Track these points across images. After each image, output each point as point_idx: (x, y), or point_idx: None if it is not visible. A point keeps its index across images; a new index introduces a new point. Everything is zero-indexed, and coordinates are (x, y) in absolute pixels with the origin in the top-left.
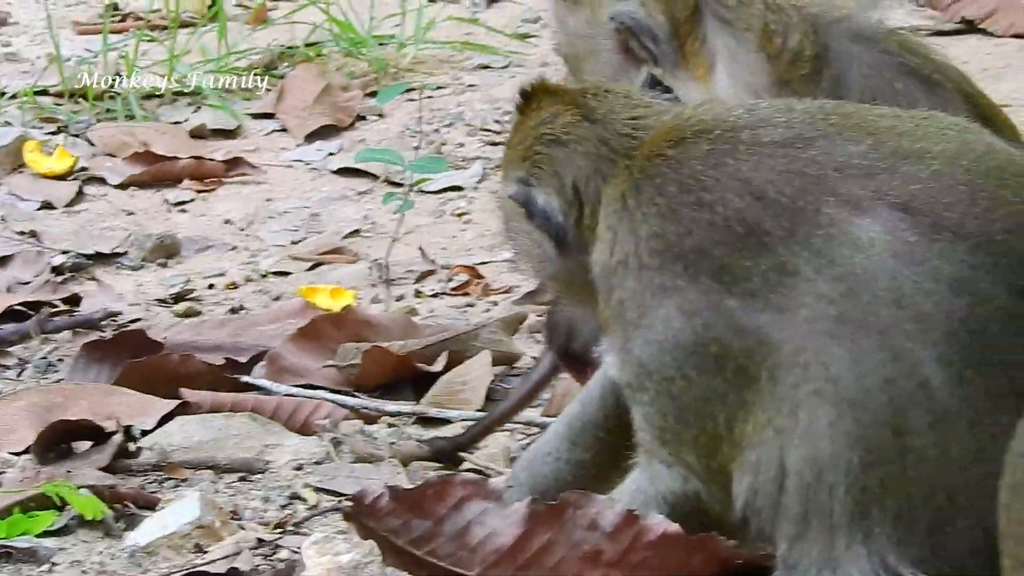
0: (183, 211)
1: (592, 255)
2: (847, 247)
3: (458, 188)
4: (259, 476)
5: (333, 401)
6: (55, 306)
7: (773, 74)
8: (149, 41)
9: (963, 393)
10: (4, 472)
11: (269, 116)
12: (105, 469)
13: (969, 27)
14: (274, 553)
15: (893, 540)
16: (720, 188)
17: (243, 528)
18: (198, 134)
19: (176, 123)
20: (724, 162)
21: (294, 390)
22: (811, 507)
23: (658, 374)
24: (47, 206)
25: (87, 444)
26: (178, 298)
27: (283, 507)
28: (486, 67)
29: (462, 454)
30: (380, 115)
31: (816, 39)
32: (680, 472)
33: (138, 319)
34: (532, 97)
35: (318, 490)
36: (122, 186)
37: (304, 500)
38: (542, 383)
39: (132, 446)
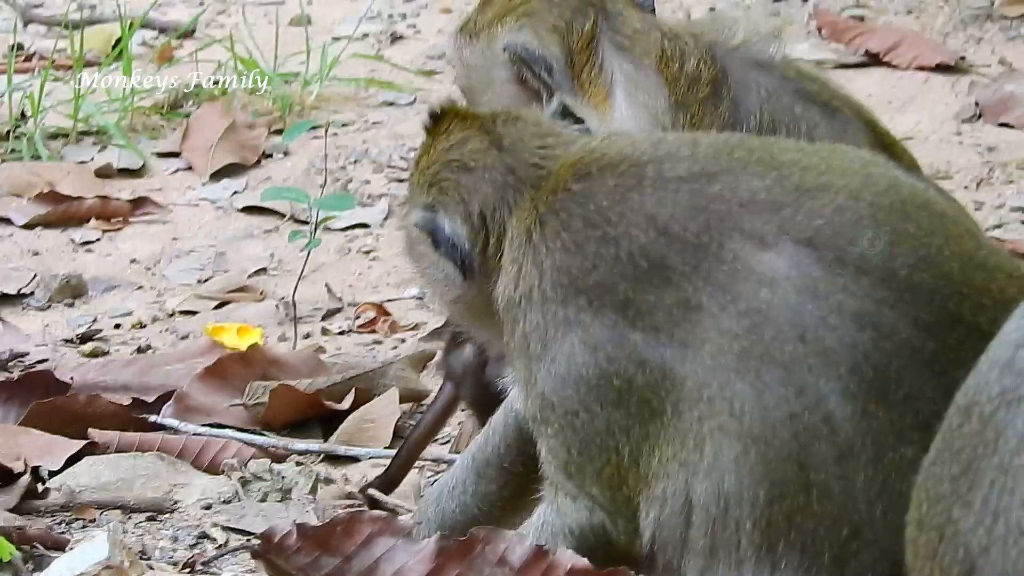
0: (89, 251)
1: (497, 286)
2: (751, 282)
3: (364, 225)
4: (168, 516)
5: (241, 440)
6: None
7: (672, 97)
8: (54, 81)
9: (867, 426)
10: None
11: (175, 155)
12: (13, 510)
13: (873, 60)
14: None
15: (799, 573)
16: (624, 223)
17: (152, 568)
18: (104, 173)
19: (82, 163)
20: (629, 197)
21: (202, 429)
22: (718, 540)
23: (561, 407)
24: None
25: None
26: (85, 338)
27: (192, 546)
28: (391, 104)
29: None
30: (286, 153)
31: (713, 64)
32: (585, 504)
33: (45, 359)
34: (442, 120)
35: (227, 529)
36: (28, 226)
37: (213, 539)
38: (442, 417)
39: (40, 487)
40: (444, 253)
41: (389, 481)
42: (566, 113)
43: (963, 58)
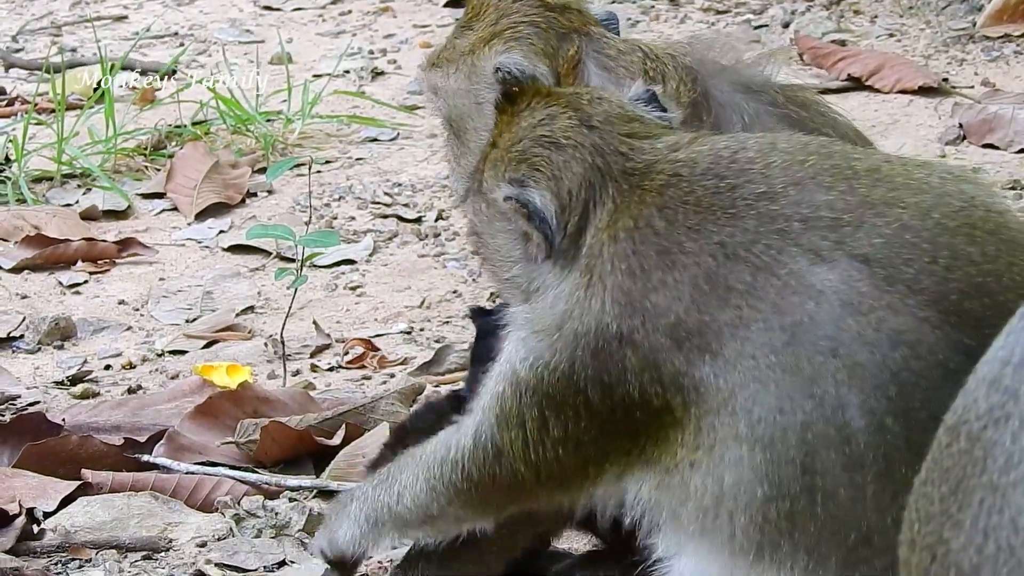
0: (77, 293)
1: (559, 271)
2: (800, 296)
3: (350, 261)
4: (163, 554)
5: (233, 477)
6: None
7: None
8: (37, 124)
9: (880, 440)
10: None
11: (159, 196)
12: (9, 552)
13: (856, 84)
14: None
15: (807, 573)
16: (696, 252)
17: None
18: (89, 216)
19: (67, 205)
20: (705, 228)
21: (194, 468)
22: (708, 527)
23: (583, 406)
24: None
25: None
26: (75, 380)
27: None
28: (374, 140)
29: None
30: (270, 191)
31: (694, 86)
32: (495, 443)
33: (36, 402)
34: (519, 98)
35: (221, 566)
36: (15, 270)
37: None
38: None
39: (35, 528)
40: (536, 227)
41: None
42: (652, 99)
43: (946, 80)
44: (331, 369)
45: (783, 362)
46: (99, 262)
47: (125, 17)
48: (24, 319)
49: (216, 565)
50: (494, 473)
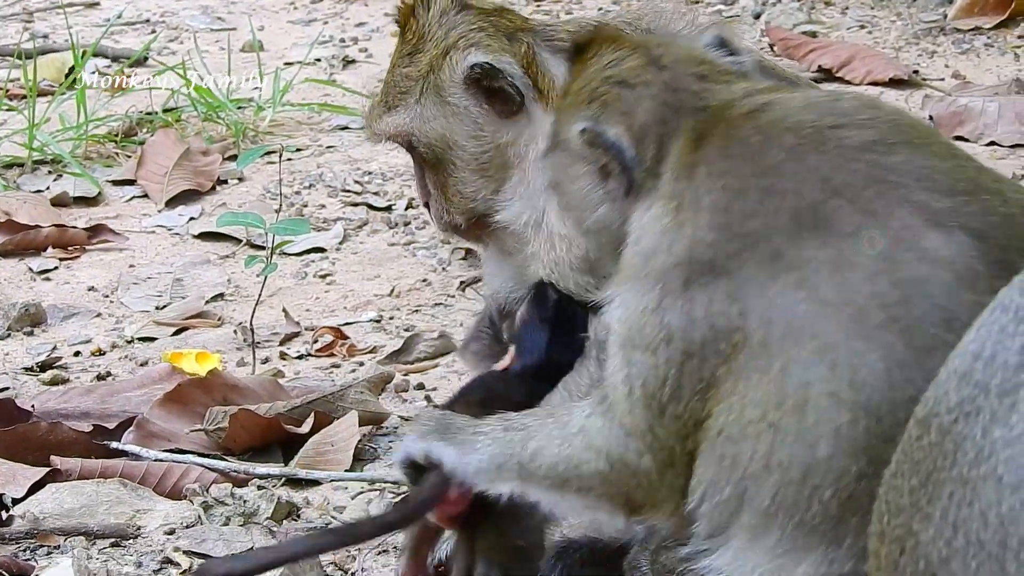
0: (47, 279)
1: (642, 206)
2: (914, 254)
3: (320, 249)
4: (131, 541)
5: (202, 465)
6: None
7: None
8: (8, 110)
9: None
10: None
11: (130, 183)
12: None
13: (827, 76)
14: None
15: (859, 553)
16: (797, 180)
17: None
18: (60, 202)
19: (37, 191)
20: (807, 157)
21: (163, 455)
22: (782, 504)
23: (677, 343)
24: None
25: None
26: (45, 366)
27: (156, 572)
28: (345, 128)
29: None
30: (240, 179)
31: None
32: (626, 432)
33: (5, 388)
34: (590, 46)
35: (190, 554)
36: None
37: (176, 564)
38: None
39: (4, 514)
40: (612, 158)
41: None
42: (723, 43)
43: (916, 72)
44: (300, 357)
45: (895, 322)
46: (69, 248)
47: (97, 4)
48: None
49: (184, 553)
50: (623, 459)
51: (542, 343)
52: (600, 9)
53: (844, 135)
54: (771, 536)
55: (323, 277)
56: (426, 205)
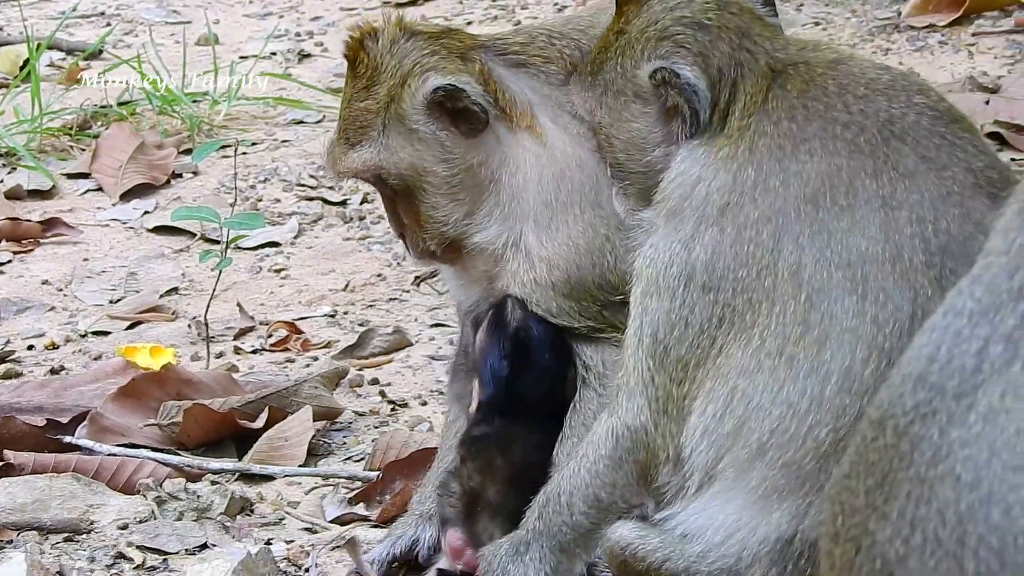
0: (1, 272)
1: (694, 145)
2: (960, 211)
3: (275, 244)
4: (84, 536)
5: (156, 460)
6: None
7: None
8: None
9: None
10: None
11: (84, 176)
12: None
13: None
14: None
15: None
16: (863, 117)
17: None
18: (13, 195)
19: None
20: (876, 101)
21: (117, 449)
22: (776, 439)
23: (698, 279)
24: None
25: None
26: None
27: (109, 567)
28: (300, 122)
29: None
30: (195, 172)
31: None
32: (638, 404)
33: None
34: None
35: (143, 549)
36: None
37: (130, 559)
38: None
39: None
40: (685, 99)
41: None
42: (768, 2)
43: None
44: (254, 352)
45: (932, 267)
46: (23, 242)
47: None
48: None
49: (137, 547)
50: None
51: (499, 372)
52: (555, 4)
53: (914, 97)
54: (756, 474)
55: (278, 271)
56: (401, 236)
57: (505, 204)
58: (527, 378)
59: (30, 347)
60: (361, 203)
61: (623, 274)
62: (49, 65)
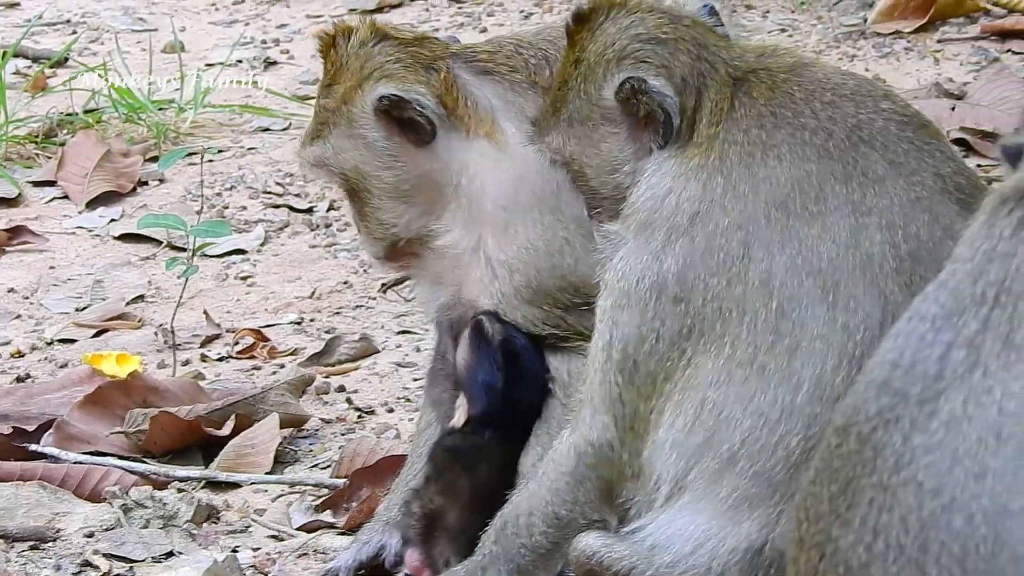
0: None
1: (663, 157)
2: (929, 216)
3: (241, 251)
4: (50, 544)
5: (122, 468)
6: None
7: None
8: None
9: None
10: None
11: (50, 184)
12: None
13: None
14: None
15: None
16: (831, 123)
17: None
18: None
19: None
20: (842, 106)
21: (83, 457)
22: (745, 449)
23: (670, 290)
24: None
25: None
26: None
27: (75, 574)
28: (266, 130)
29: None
30: (161, 180)
31: None
32: (603, 422)
33: None
34: (593, 15)
35: (109, 557)
36: None
37: (96, 567)
38: None
39: None
40: (656, 106)
41: None
42: (713, 12)
43: None
44: (221, 359)
45: (902, 273)
46: None
47: (17, 4)
48: None
49: (104, 556)
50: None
51: (491, 384)
52: (521, 12)
53: (881, 102)
54: (726, 484)
55: (244, 279)
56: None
57: (465, 208)
58: (522, 386)
59: None
60: (328, 210)
61: (584, 276)
62: (15, 73)
